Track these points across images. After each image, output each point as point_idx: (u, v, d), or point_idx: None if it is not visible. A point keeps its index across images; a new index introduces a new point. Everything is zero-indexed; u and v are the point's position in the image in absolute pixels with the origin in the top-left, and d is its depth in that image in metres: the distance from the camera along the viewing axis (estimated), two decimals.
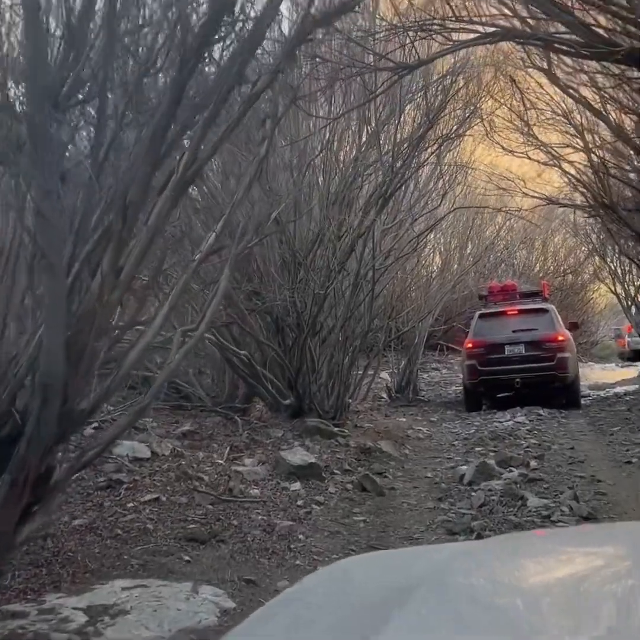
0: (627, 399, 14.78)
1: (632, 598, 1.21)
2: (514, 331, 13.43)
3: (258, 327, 10.12)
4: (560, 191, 10.96)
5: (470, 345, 13.72)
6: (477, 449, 9.82)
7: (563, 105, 8.71)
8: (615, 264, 18.53)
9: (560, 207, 11.85)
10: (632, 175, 8.25)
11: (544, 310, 13.90)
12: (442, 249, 19.71)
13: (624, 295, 18.98)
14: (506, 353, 13.32)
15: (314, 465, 7.56)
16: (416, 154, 9.21)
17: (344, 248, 9.60)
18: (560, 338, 13.46)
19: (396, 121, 8.86)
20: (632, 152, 8.48)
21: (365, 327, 10.39)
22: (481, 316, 14.17)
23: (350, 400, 13.85)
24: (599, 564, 1.47)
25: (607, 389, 16.93)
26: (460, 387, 16.46)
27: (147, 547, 5.38)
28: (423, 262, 17.28)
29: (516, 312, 13.88)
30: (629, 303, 18.93)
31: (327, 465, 8.20)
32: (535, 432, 11.12)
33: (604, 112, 7.96)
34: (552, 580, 1.32)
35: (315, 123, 8.54)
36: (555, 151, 9.24)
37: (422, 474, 8.57)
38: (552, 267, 29.07)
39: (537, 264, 29.26)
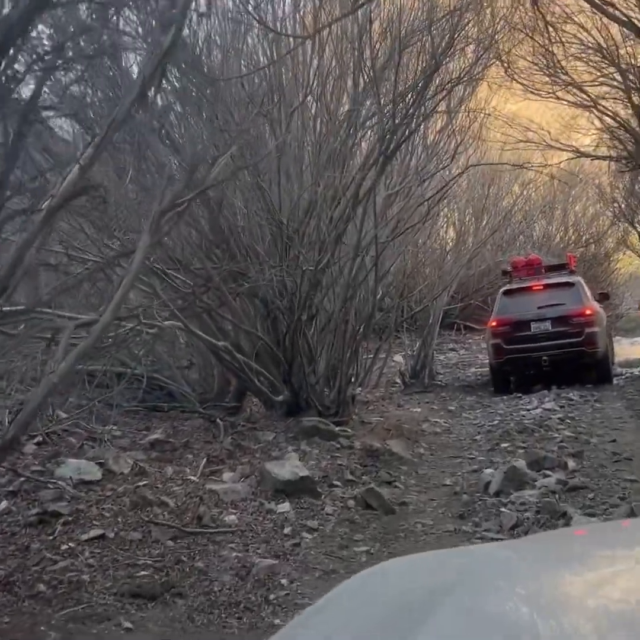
0: None
1: None
2: (539, 307, 12.81)
3: (245, 312, 8.81)
4: (593, 142, 9.46)
5: (494, 323, 13.12)
6: (502, 445, 8.47)
7: (596, 34, 7.21)
8: None
9: (593, 159, 10.28)
10: None
11: (570, 284, 13.22)
12: (456, 221, 18.26)
13: None
14: (532, 330, 12.67)
15: (307, 480, 6.22)
16: (422, 102, 7.77)
17: (340, 217, 8.22)
18: (588, 312, 12.76)
19: (396, 62, 7.41)
20: None
21: (370, 309, 9.01)
22: (505, 292, 13.55)
23: (359, 390, 12.62)
24: None
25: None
26: (480, 369, 15.76)
27: (76, 610, 4.08)
28: (436, 234, 15.85)
29: (541, 287, 13.29)
30: None
31: (325, 475, 6.87)
32: (568, 421, 9.75)
33: None
34: (596, 595, 1.10)
35: (288, 45, 7.10)
36: (586, 94, 7.75)
37: (440, 480, 7.22)
38: (573, 237, 27.43)
39: (558, 235, 27.63)
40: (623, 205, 17.09)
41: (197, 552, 4.90)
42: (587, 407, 11.02)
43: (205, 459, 6.60)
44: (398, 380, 14.81)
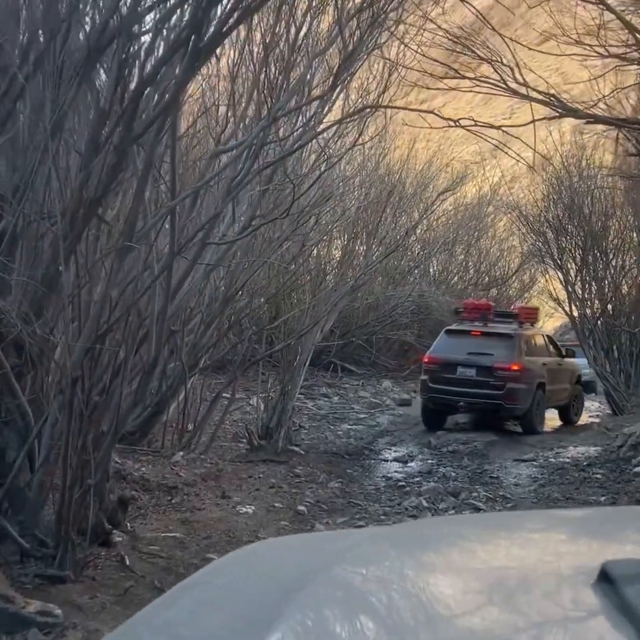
0: (597, 475, 9.76)
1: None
2: (469, 353, 12.93)
3: None
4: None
5: (427, 359, 13.46)
6: None
7: None
8: (575, 279, 13.63)
9: (598, 123, 6.37)
10: None
11: (509, 336, 13.07)
12: (344, 237, 14.50)
13: (579, 320, 14.09)
14: (457, 374, 12.88)
15: None
16: None
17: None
18: (514, 368, 12.68)
19: None
20: None
21: (154, 353, 4.84)
22: (448, 331, 13.78)
23: (179, 455, 8.67)
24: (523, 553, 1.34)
25: (557, 450, 11.89)
26: (354, 426, 14.16)
27: None
28: (316, 247, 12.02)
29: (479, 333, 13.32)
30: (587, 331, 14.01)
31: None
32: None
33: None
34: (464, 573, 1.21)
35: None
36: None
37: None
38: (474, 278, 24.27)
39: (457, 274, 24.46)
40: (553, 245, 13.71)
41: None
42: None
43: None
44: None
